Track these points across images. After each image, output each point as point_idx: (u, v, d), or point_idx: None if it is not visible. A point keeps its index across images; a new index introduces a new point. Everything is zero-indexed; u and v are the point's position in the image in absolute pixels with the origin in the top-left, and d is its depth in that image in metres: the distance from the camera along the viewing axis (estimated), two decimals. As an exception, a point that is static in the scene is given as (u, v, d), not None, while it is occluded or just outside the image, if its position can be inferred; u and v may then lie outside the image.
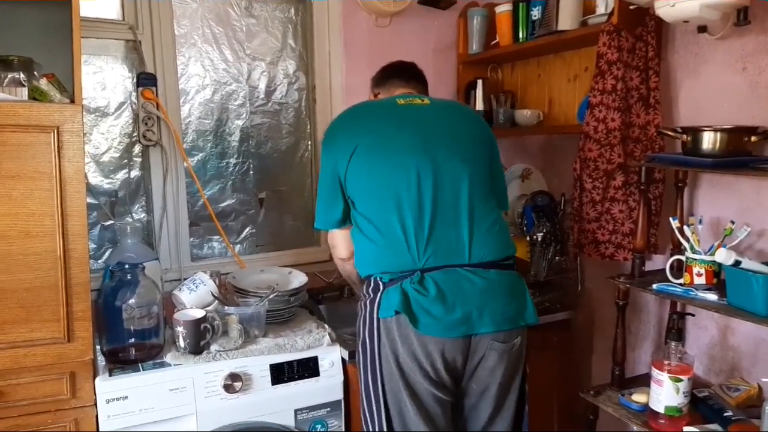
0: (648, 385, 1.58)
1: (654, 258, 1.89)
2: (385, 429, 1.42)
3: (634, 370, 1.95)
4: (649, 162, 1.68)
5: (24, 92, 1.52)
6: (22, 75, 1.59)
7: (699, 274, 1.52)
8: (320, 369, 1.71)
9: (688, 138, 1.58)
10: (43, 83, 1.56)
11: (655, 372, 1.53)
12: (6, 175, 1.41)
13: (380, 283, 1.45)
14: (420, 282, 1.39)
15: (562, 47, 2.16)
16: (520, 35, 2.20)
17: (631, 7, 1.73)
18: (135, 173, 2.18)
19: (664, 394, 1.51)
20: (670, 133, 1.65)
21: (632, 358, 1.99)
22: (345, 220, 1.58)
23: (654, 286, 1.60)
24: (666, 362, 1.51)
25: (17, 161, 1.42)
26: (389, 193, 1.46)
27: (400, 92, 1.71)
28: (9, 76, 1.57)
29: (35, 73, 1.63)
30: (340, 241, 1.62)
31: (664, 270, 1.63)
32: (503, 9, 2.24)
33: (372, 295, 1.45)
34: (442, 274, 1.41)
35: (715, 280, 1.52)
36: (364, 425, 1.49)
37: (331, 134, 1.61)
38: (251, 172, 2.40)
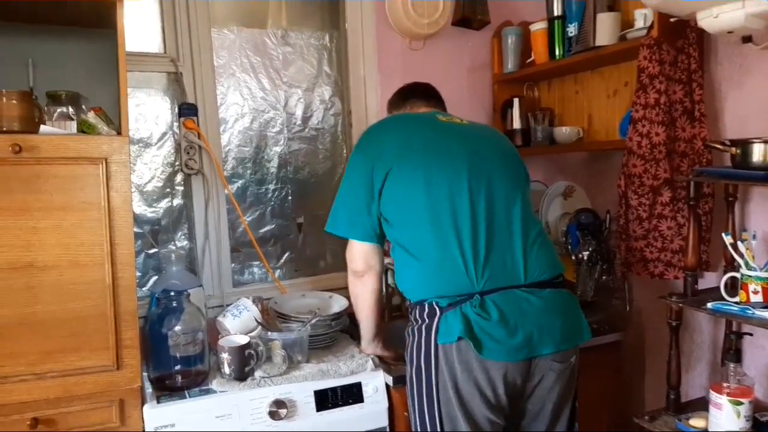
0: (705, 409, 1.51)
1: (706, 276, 1.82)
2: None
3: (688, 393, 1.87)
4: (698, 176, 1.63)
5: (73, 126, 1.57)
6: (70, 109, 1.64)
7: (755, 292, 1.46)
8: (364, 395, 1.68)
9: (738, 151, 1.53)
10: (91, 116, 1.61)
11: (713, 395, 1.46)
12: (57, 207, 1.44)
13: (436, 307, 1.39)
14: (481, 306, 1.35)
15: (601, 63, 2.13)
16: (557, 52, 2.19)
17: (672, 20, 1.70)
18: (177, 201, 2.22)
19: (724, 418, 1.44)
20: (718, 146, 1.60)
21: (686, 380, 1.91)
22: (371, 234, 1.52)
23: (709, 305, 1.54)
24: (725, 385, 1.45)
25: (68, 193, 1.45)
26: (444, 211, 1.42)
27: (423, 111, 1.70)
28: (58, 110, 1.63)
29: (83, 106, 1.68)
30: (358, 254, 1.55)
31: (716, 288, 1.57)
32: (538, 27, 2.23)
33: (427, 321, 1.40)
34: (501, 296, 1.38)
35: (773, 298, 1.45)
36: None
37: (369, 139, 1.56)
38: (289, 198, 2.42)
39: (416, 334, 1.43)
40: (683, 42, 1.77)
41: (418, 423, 1.44)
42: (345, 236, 1.55)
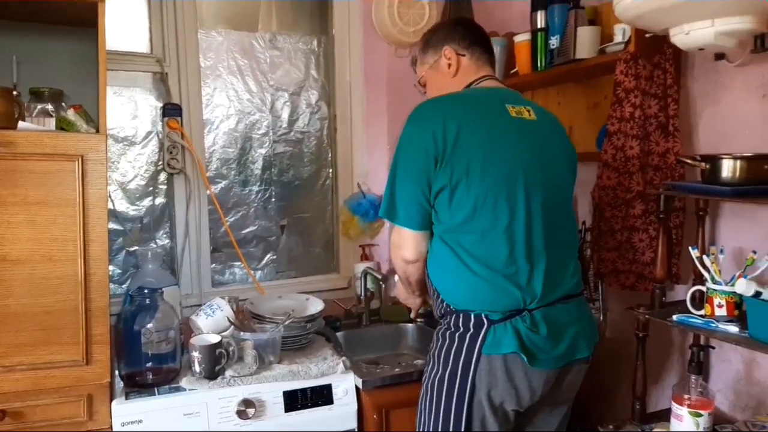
0: (669, 419, 1.53)
1: (677, 288, 1.84)
2: None
3: (657, 404, 1.89)
4: (668, 190, 1.65)
5: (51, 122, 1.59)
6: (50, 106, 1.67)
7: (720, 306, 1.48)
8: (334, 397, 1.70)
9: (707, 166, 1.55)
10: (71, 114, 1.63)
11: (674, 406, 1.48)
12: (31, 202, 1.46)
13: (485, 320, 1.37)
14: (532, 321, 1.37)
15: (581, 75, 2.16)
16: (539, 64, 2.21)
17: (647, 35, 1.72)
18: (160, 200, 2.24)
19: (684, 429, 1.46)
20: (688, 161, 1.62)
21: (656, 391, 1.93)
22: (427, 223, 1.42)
23: (674, 317, 1.56)
24: (686, 396, 1.47)
25: (43, 188, 1.47)
26: (503, 227, 1.37)
27: (486, 74, 1.57)
28: (39, 106, 1.65)
29: (63, 104, 1.71)
30: (409, 242, 1.44)
31: (685, 301, 1.59)
32: (522, 38, 2.25)
33: (473, 330, 1.38)
34: (550, 310, 1.41)
35: (736, 312, 1.47)
36: None
37: (437, 113, 1.39)
38: (273, 200, 2.44)
39: (456, 340, 1.41)
40: (660, 57, 1.79)
41: (440, 421, 1.42)
42: (403, 227, 1.44)
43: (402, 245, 1.46)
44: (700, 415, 1.44)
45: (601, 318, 2.06)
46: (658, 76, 1.79)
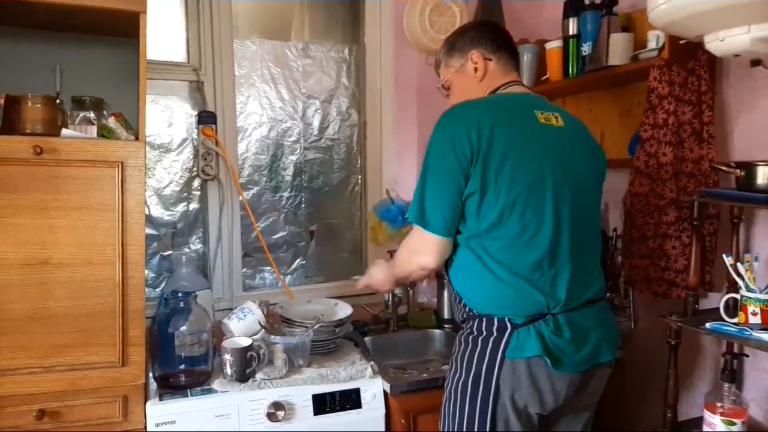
0: (701, 428, 1.50)
1: (710, 296, 1.81)
2: None
3: (688, 413, 1.86)
4: (702, 197, 1.63)
5: (93, 130, 1.65)
6: (92, 114, 1.72)
7: (754, 314, 1.45)
8: (362, 401, 1.71)
9: (742, 173, 1.53)
10: (111, 122, 1.68)
11: (707, 415, 1.46)
12: (73, 207, 1.52)
13: (508, 324, 1.37)
14: (555, 325, 1.38)
15: (614, 82, 2.14)
16: (570, 71, 2.20)
17: (681, 42, 1.70)
18: (194, 206, 2.29)
19: (718, 439, 1.44)
20: (723, 167, 1.60)
21: (688, 400, 1.89)
22: (454, 230, 1.39)
23: (707, 325, 1.54)
24: (719, 404, 1.44)
25: (84, 194, 1.52)
26: (530, 233, 1.37)
27: (513, 79, 1.56)
28: (81, 114, 1.71)
29: (104, 112, 1.77)
30: (434, 249, 1.40)
31: (718, 309, 1.57)
32: (553, 45, 2.24)
33: (496, 334, 1.38)
34: (574, 314, 1.41)
35: (772, 321, 1.44)
36: None
37: (466, 117, 1.37)
38: (303, 206, 2.48)
39: (479, 344, 1.41)
40: (694, 63, 1.77)
41: (464, 425, 1.42)
42: (433, 233, 1.39)
43: (424, 251, 1.42)
44: (733, 424, 1.42)
45: (632, 326, 2.04)
46: (693, 82, 1.77)
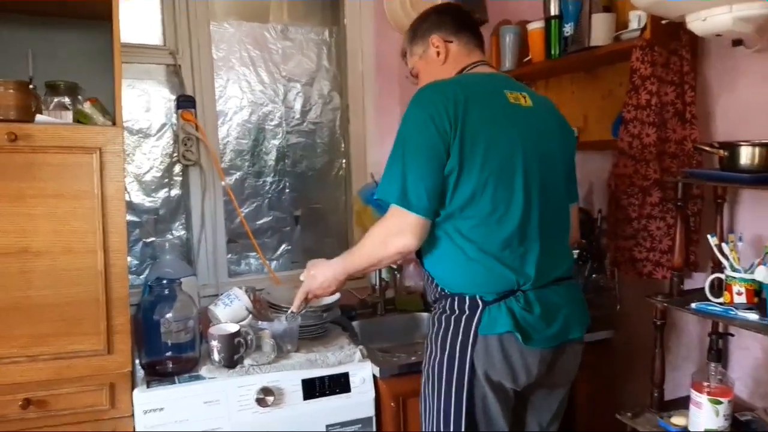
0: (688, 407, 1.53)
1: (695, 276, 1.83)
2: (464, 429, 1.41)
3: (674, 392, 1.88)
4: (686, 178, 1.64)
5: (69, 115, 1.60)
6: (67, 99, 1.67)
7: (739, 293, 1.47)
8: (351, 385, 1.71)
9: (725, 153, 1.54)
10: (87, 107, 1.64)
11: (694, 394, 1.48)
12: (51, 194, 1.48)
13: (479, 301, 1.39)
14: (526, 301, 1.39)
15: (596, 63, 2.14)
16: (553, 52, 2.19)
17: (664, 22, 1.70)
18: (175, 192, 2.25)
19: (704, 417, 1.46)
20: (706, 148, 1.61)
21: (674, 379, 1.92)
22: (434, 209, 1.35)
23: (693, 305, 1.55)
24: (705, 384, 1.47)
25: (61, 181, 1.49)
26: (500, 211, 1.38)
27: (478, 59, 1.56)
28: (55, 100, 1.66)
29: (79, 97, 1.71)
30: (415, 230, 1.35)
31: (703, 289, 1.59)
32: (535, 26, 2.23)
33: (468, 312, 1.40)
34: (540, 291, 1.42)
35: (756, 299, 1.46)
36: (433, 425, 1.45)
37: (441, 93, 1.37)
38: (287, 190, 2.45)
39: (452, 322, 1.42)
40: (676, 44, 1.77)
41: (442, 403, 1.43)
42: (417, 214, 1.33)
43: (404, 233, 1.35)
44: (720, 403, 1.44)
45: (618, 307, 2.06)
46: (675, 62, 1.78)
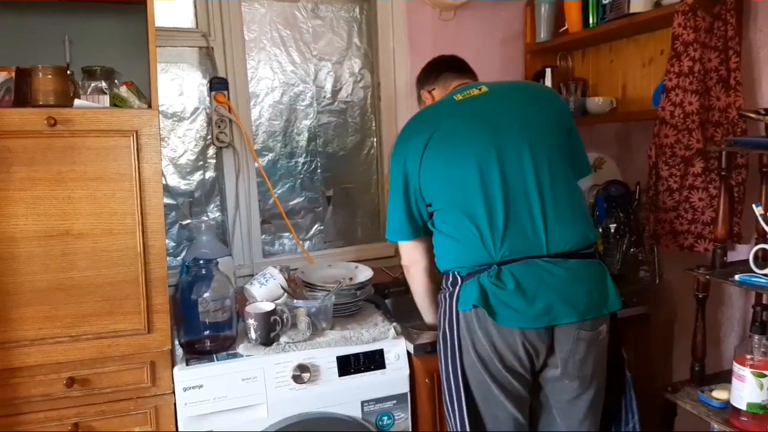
0: (730, 381, 1.49)
1: (738, 248, 1.78)
2: (465, 415, 1.44)
3: (717, 366, 1.84)
4: (730, 146, 1.58)
5: (106, 100, 1.63)
6: (104, 84, 1.70)
7: (786, 264, 1.42)
8: (386, 362, 1.72)
9: (773, 119, 1.48)
10: (123, 91, 1.66)
11: (736, 367, 1.44)
12: (91, 177, 1.51)
13: (458, 277, 1.47)
14: (497, 276, 1.40)
15: (636, 31, 2.07)
16: (591, 20, 2.13)
17: (707, -16, 1.63)
18: (210, 174, 2.27)
19: (747, 390, 1.42)
20: (752, 115, 1.55)
21: (716, 353, 1.88)
22: (412, 233, 1.60)
23: (737, 276, 1.51)
24: (749, 357, 1.42)
25: (100, 164, 1.51)
26: (458, 188, 1.47)
27: (457, 84, 1.68)
28: (92, 85, 1.69)
29: (116, 81, 1.74)
30: (403, 250, 1.67)
31: (746, 261, 1.53)
32: (571, -6, 2.17)
33: (451, 289, 1.49)
34: (520, 266, 1.41)
35: (804, 270, 1.41)
36: (447, 413, 1.52)
37: (398, 144, 1.61)
38: (319, 171, 2.45)
39: (443, 301, 1.52)
40: (720, 8, 1.70)
41: (444, 383, 1.51)
42: (400, 241, 1.66)
43: (401, 253, 1.69)
44: (764, 376, 1.40)
45: (657, 281, 2.01)
46: (719, 27, 1.71)
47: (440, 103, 1.65)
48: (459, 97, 1.57)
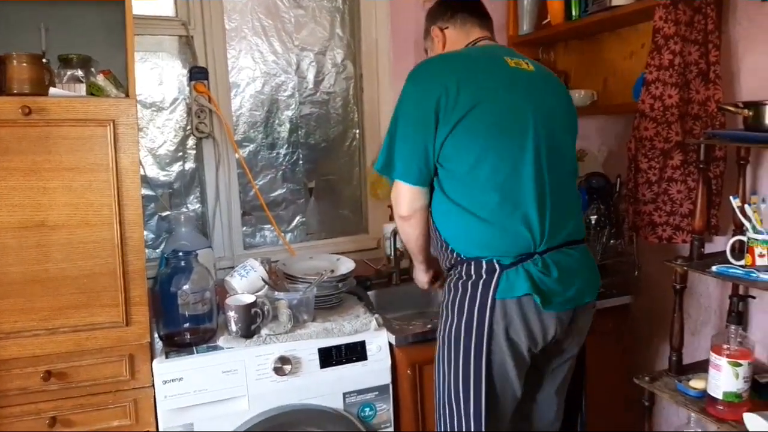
0: (707, 371, 1.51)
1: (715, 240, 1.80)
2: (483, 393, 1.41)
3: (694, 356, 1.87)
4: (709, 139, 1.60)
5: (82, 88, 1.59)
6: (80, 72, 1.67)
7: (761, 255, 1.44)
8: (368, 353, 1.72)
9: (750, 113, 1.50)
10: (100, 79, 1.63)
11: (713, 357, 1.47)
12: (66, 167, 1.48)
13: (497, 265, 1.40)
14: (543, 264, 1.41)
15: (618, 24, 2.08)
16: (573, 13, 2.13)
17: (687, -22, 1.64)
18: (189, 165, 2.25)
19: (723, 379, 1.45)
20: (730, 108, 1.57)
21: (693, 344, 1.91)
22: (426, 179, 1.44)
23: (714, 268, 1.53)
24: (725, 346, 1.45)
25: (77, 154, 1.49)
26: (505, 170, 1.39)
27: (477, 36, 1.61)
28: (68, 73, 1.66)
29: (92, 70, 1.71)
30: (405, 197, 1.46)
31: (724, 252, 1.55)
32: (553, -13, 2.17)
33: (485, 276, 1.41)
34: (556, 255, 1.44)
35: (779, 262, 1.43)
36: (449, 402, 1.46)
37: (435, 73, 1.43)
38: (301, 162, 2.44)
39: (470, 288, 1.43)
40: (700, 2, 1.71)
41: (460, 368, 1.44)
42: (399, 179, 1.45)
43: (398, 201, 1.48)
44: (739, 365, 1.42)
45: (636, 273, 2.03)
46: (699, 21, 1.72)
47: (491, 59, 1.49)
48: (511, 63, 1.47)
